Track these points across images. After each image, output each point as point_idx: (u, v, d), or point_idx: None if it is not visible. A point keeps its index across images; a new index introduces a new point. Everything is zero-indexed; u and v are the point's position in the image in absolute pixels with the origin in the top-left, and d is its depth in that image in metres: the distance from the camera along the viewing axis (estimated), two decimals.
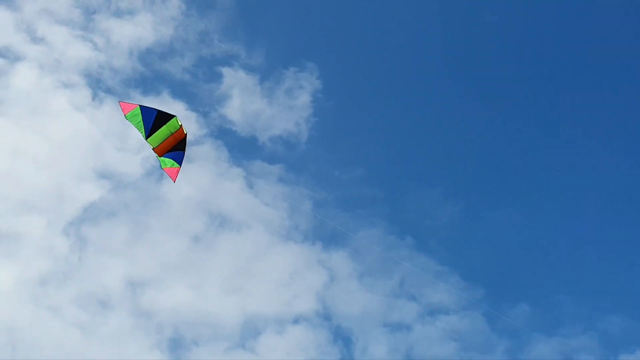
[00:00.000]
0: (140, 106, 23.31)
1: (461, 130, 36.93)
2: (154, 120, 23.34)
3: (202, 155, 33.15)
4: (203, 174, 32.99)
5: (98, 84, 34.04)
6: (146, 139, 23.47)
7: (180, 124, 22.97)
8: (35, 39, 33.91)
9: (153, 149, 23.67)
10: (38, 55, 33.78)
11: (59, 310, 27.78)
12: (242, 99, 35.29)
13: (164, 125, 23.14)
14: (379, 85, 37.66)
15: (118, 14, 35.23)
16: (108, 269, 29.28)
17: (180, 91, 34.65)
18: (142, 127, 23.48)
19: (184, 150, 23.82)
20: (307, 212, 31.55)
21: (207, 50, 35.75)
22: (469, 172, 35.88)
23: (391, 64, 38.11)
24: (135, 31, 35.04)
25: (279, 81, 35.73)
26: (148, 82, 34.86)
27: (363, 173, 34.15)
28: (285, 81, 35.69)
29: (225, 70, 35.47)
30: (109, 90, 33.99)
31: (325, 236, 31.85)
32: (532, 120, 36.91)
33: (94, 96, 33.69)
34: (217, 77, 35.31)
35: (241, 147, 34.35)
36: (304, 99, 35.38)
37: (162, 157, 23.99)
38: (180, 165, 23.97)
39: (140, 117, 23.39)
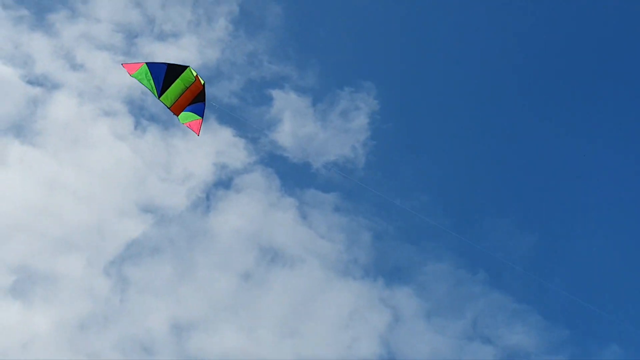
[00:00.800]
0: (147, 63, 22.49)
1: (537, 153, 35.74)
2: (164, 76, 22.58)
3: (251, 184, 33.17)
4: (252, 204, 33.06)
5: (141, 112, 34.29)
6: (159, 97, 22.61)
7: (195, 74, 22.50)
8: (75, 66, 34.37)
9: (169, 108, 22.83)
10: (77, 82, 34.11)
11: (99, 356, 27.50)
12: (294, 123, 35.16)
13: (178, 79, 22.48)
14: (442, 104, 36.93)
15: (162, 37, 35.95)
16: (151, 311, 28.88)
17: (227, 116, 34.20)
18: (153, 86, 22.62)
19: (204, 101, 23.09)
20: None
21: (256, 73, 35.90)
22: (545, 199, 34.65)
23: (456, 81, 37.48)
24: (180, 54, 35.55)
25: (333, 102, 35.67)
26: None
27: (428, 201, 33.47)
28: (340, 102, 35.58)
29: (276, 93, 35.49)
30: (152, 118, 34.17)
31: (388, 271, 31.11)
32: (617, 145, 35.44)
33: (137, 124, 33.94)
34: (267, 101, 35.40)
35: (293, 175, 34.03)
36: (360, 121, 35.12)
37: (180, 114, 23.16)
38: (202, 117, 23.24)
39: (149, 75, 22.57)
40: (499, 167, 36.42)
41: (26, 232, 30.37)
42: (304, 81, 35.88)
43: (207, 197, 32.94)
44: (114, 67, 34.49)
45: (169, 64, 22.51)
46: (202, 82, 22.75)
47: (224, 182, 33.38)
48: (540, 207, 34.54)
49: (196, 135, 23.39)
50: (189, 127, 23.34)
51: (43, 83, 33.86)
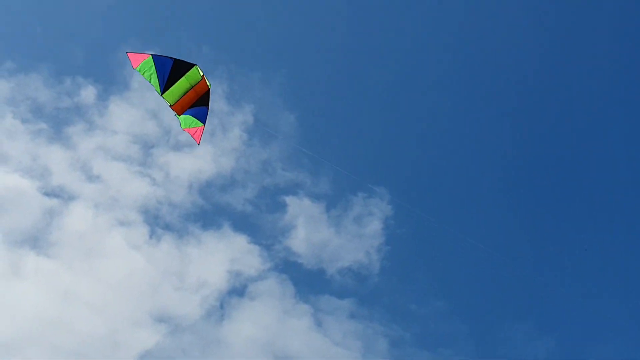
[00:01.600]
0: (153, 55, 22.07)
1: (552, 258, 36.05)
2: (170, 72, 22.06)
3: (265, 291, 33.74)
4: (267, 312, 33.71)
5: (156, 221, 35.31)
6: (161, 94, 22.22)
7: (201, 74, 22.05)
8: (91, 177, 35.86)
9: (170, 106, 22.45)
10: (93, 193, 35.62)
11: None
12: (308, 229, 36.10)
13: (183, 77, 21.97)
14: (456, 209, 37.78)
15: (177, 147, 37.18)
16: None
17: (242, 223, 35.70)
18: (157, 81, 22.15)
19: (207, 105, 22.71)
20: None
21: (270, 180, 37.07)
22: (561, 304, 34.79)
23: (467, 188, 38.56)
24: (195, 164, 36.74)
25: (346, 208, 36.60)
26: (208, 215, 36.09)
27: (443, 307, 33.98)
28: (354, 208, 36.57)
29: (290, 200, 36.60)
30: (167, 227, 35.23)
31: None
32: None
33: (152, 234, 34.99)
34: (281, 207, 36.41)
35: (308, 281, 34.99)
36: (374, 226, 36.03)
37: (182, 116, 22.92)
38: (204, 124, 22.78)
39: (153, 69, 22.13)
40: (514, 271, 36.20)
41: (39, 344, 30.54)
42: (317, 187, 36.99)
43: (221, 306, 33.19)
44: (130, 178, 36.17)
45: (175, 59, 22.07)
46: (209, 84, 22.47)
47: (238, 290, 33.77)
48: (556, 312, 34.52)
49: (197, 143, 23.17)
50: (190, 134, 23.14)
51: (59, 194, 35.16)
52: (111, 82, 39.47)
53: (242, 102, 39.19)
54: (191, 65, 22.20)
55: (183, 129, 23.36)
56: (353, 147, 39.68)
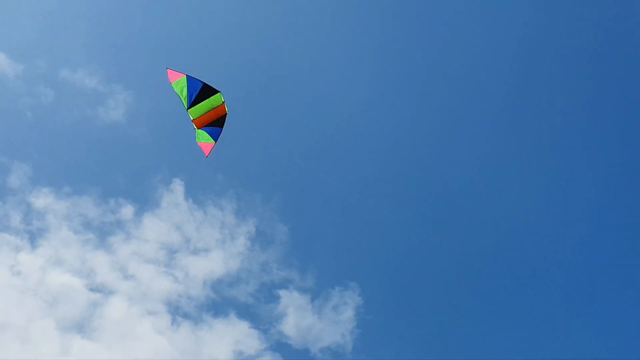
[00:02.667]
0: (187, 76, 22.44)
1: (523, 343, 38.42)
2: (198, 92, 22.47)
3: None
4: None
5: (177, 311, 38.45)
6: (187, 109, 22.62)
7: (223, 100, 22.20)
8: (127, 276, 39.10)
9: (192, 120, 22.68)
10: (128, 289, 38.77)
11: None
12: (296, 316, 38.80)
13: (208, 99, 22.40)
14: (416, 299, 40.44)
15: (195, 252, 40.36)
16: None
17: (245, 312, 38.63)
18: (186, 97, 22.57)
19: (222, 127, 22.94)
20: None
21: (267, 277, 39.94)
22: None
23: (425, 280, 41.15)
24: (209, 265, 39.90)
25: (327, 299, 39.25)
26: (218, 306, 38.94)
27: None
28: (332, 299, 39.24)
29: (283, 293, 39.43)
30: (185, 315, 38.31)
31: None
32: None
33: (173, 321, 38.08)
34: (276, 299, 39.32)
35: (296, 359, 37.40)
36: (348, 313, 38.80)
37: (199, 130, 23.05)
38: (216, 142, 22.97)
39: (185, 87, 22.46)
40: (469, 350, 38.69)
41: None
42: (304, 283, 39.75)
43: None
44: (158, 277, 39.37)
45: (205, 83, 22.35)
46: (227, 110, 22.59)
47: None
48: None
49: (205, 156, 23.14)
50: (201, 147, 23.29)
51: (101, 290, 38.33)
52: (145, 202, 41.56)
53: (247, 216, 41.70)
54: (216, 91, 22.44)
55: (197, 143, 23.30)
56: (332, 249, 41.87)
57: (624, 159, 42.95)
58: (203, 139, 23.16)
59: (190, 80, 22.54)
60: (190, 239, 41.11)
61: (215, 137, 23.17)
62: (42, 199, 40.21)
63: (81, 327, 37.44)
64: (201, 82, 22.40)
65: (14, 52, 42.26)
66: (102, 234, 40.22)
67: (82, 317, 37.77)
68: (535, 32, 45.34)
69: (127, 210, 40.99)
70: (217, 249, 41.06)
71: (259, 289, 39.92)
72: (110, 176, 42.17)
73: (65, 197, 40.60)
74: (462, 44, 44.96)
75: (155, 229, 40.99)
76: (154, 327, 38.25)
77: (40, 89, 42.47)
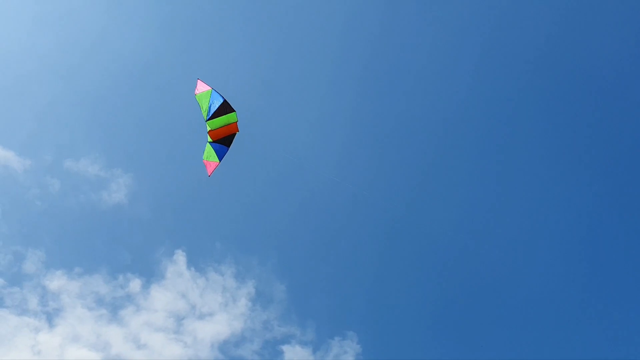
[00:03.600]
0: (213, 90, 23.68)
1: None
2: (218, 107, 23.56)
3: None
4: None
5: None
6: (206, 120, 23.79)
7: (236, 120, 23.28)
8: (140, 346, 40.87)
9: (207, 131, 23.81)
10: (142, 358, 40.54)
11: None
12: None
13: (224, 115, 23.45)
14: (411, 343, 41.85)
15: (201, 317, 42.24)
16: None
17: None
18: (206, 110, 23.62)
19: (229, 146, 23.93)
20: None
21: (270, 334, 41.69)
22: None
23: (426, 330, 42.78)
24: (215, 328, 41.65)
25: (327, 350, 40.92)
26: None
27: None
28: (333, 349, 40.91)
29: (285, 347, 41.08)
30: None
31: None
32: None
33: None
34: (279, 354, 40.94)
35: None
36: None
37: (209, 144, 23.97)
38: (220, 161, 23.84)
39: (208, 100, 23.51)
40: None
41: None
42: (305, 336, 41.33)
43: None
44: (168, 343, 41.19)
45: (225, 100, 23.31)
46: (238, 129, 23.51)
47: None
48: None
49: (207, 174, 23.63)
50: (205, 165, 24.05)
51: None
52: (151, 275, 43.14)
53: (246, 279, 43.46)
54: (232, 110, 23.34)
55: (203, 160, 24.08)
56: (328, 302, 43.53)
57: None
58: (209, 157, 24.14)
59: (214, 94, 23.76)
60: (195, 305, 42.92)
61: (220, 157, 24.01)
62: (56, 281, 42.45)
63: None
64: (223, 98, 23.55)
65: (21, 148, 45.43)
66: (113, 308, 42.15)
67: None
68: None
69: (135, 284, 42.89)
70: (221, 312, 43.02)
71: (263, 346, 41.64)
72: (117, 254, 44.00)
73: (77, 277, 42.53)
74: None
75: (162, 298, 42.87)
76: None
77: (47, 179, 45.16)
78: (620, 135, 45.87)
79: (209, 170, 24.04)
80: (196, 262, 44.43)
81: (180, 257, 44.19)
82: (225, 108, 23.49)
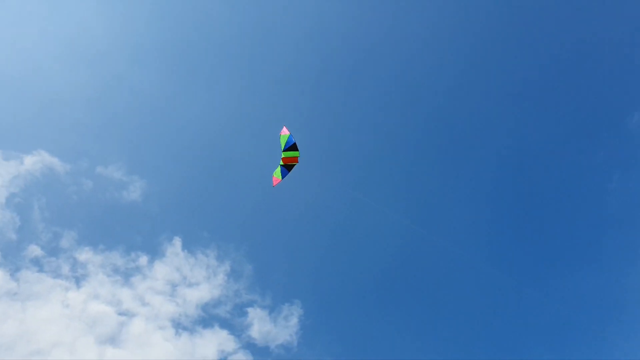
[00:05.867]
0: (290, 134, 30.52)
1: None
2: (290, 145, 30.51)
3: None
4: None
5: (178, 325, 50.24)
6: (282, 151, 30.30)
7: (299, 154, 30.12)
8: (144, 304, 50.79)
9: (281, 158, 30.12)
10: (145, 312, 50.34)
11: None
12: (259, 325, 50.49)
13: (292, 151, 30.54)
14: (342, 309, 51.94)
15: (190, 285, 52.27)
16: None
17: (225, 324, 50.74)
18: (284, 145, 30.34)
19: (289, 171, 30.37)
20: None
21: (239, 300, 51.67)
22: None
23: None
24: (200, 293, 51.58)
25: (279, 312, 51.13)
26: (206, 321, 50.50)
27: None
28: (283, 311, 51.12)
29: (249, 309, 51.12)
30: (184, 328, 50.25)
31: None
32: None
33: (176, 332, 49.75)
34: (245, 314, 50.97)
35: (260, 354, 49.69)
36: (294, 321, 50.78)
37: (280, 166, 30.29)
38: (282, 179, 30.13)
39: (286, 139, 30.29)
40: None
41: None
42: (264, 302, 51.67)
43: None
44: (165, 303, 49.93)
45: (294, 142, 29.80)
46: (297, 162, 29.62)
47: None
48: None
49: (272, 185, 29.97)
50: (273, 179, 29.48)
51: (127, 314, 49.75)
52: (155, 254, 51.77)
53: (224, 260, 52.82)
54: (297, 150, 29.94)
55: (272, 175, 29.94)
56: (282, 278, 52.97)
57: None
58: (277, 174, 30.68)
59: (290, 137, 30.82)
60: (186, 277, 52.81)
61: (283, 177, 30.56)
62: (84, 255, 51.78)
63: (113, 340, 48.76)
64: (294, 141, 30.47)
65: (64, 156, 55.43)
66: (126, 276, 52.10)
67: (113, 333, 49.12)
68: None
69: (143, 260, 52.49)
70: (205, 282, 53.03)
71: (234, 308, 51.70)
72: (131, 237, 53.95)
73: (100, 252, 52.01)
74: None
75: (162, 271, 52.64)
76: (163, 337, 49.87)
77: (82, 180, 54.95)
78: None
79: (274, 182, 30.83)
80: (189, 246, 53.78)
81: (177, 242, 53.74)
82: (294, 146, 30.93)
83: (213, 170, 57.99)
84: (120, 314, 49.63)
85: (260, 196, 56.72)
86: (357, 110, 58.39)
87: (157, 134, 59.33)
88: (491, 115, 56.51)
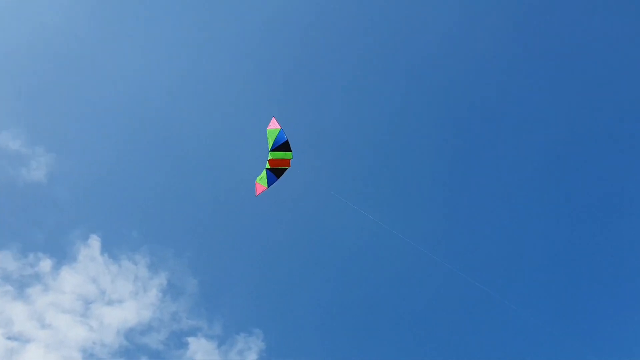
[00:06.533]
0: (281, 130, 28.17)
1: None
2: (281, 144, 27.98)
3: None
4: None
5: (91, 357, 40.99)
6: (269, 151, 28.23)
7: (291, 157, 27.74)
8: (44, 325, 41.29)
9: (268, 160, 28.09)
10: (45, 337, 40.90)
11: None
12: None
13: (283, 151, 28.02)
14: (324, 346, 43.67)
15: (110, 302, 43.07)
16: None
17: (156, 358, 41.70)
18: (272, 143, 28.08)
19: (278, 177, 28.23)
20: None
21: (177, 326, 43.03)
22: None
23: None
24: (122, 314, 42.65)
25: (232, 344, 42.63)
26: (131, 352, 41.67)
27: None
28: (237, 344, 42.70)
29: (191, 340, 42.55)
30: None
31: None
32: None
33: None
34: (184, 345, 42.38)
35: None
36: (252, 357, 42.41)
37: (266, 170, 27.98)
38: (267, 187, 28.09)
39: (276, 136, 27.97)
40: None
41: None
42: (211, 330, 42.86)
43: None
44: (74, 326, 41.63)
45: (287, 140, 27.67)
46: (290, 166, 27.62)
47: None
48: None
49: (255, 194, 27.56)
50: (256, 185, 27.93)
51: (18, 338, 40.29)
52: (63, 256, 43.44)
53: (159, 270, 44.43)
54: (290, 150, 27.67)
55: (255, 181, 27.81)
56: (238, 300, 44.91)
57: None
58: (261, 180, 27.94)
59: (280, 132, 27.89)
60: (105, 291, 43.67)
61: (269, 184, 27.83)
62: None
63: None
64: (286, 138, 27.73)
65: None
66: (20, 285, 42.56)
67: None
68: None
69: (46, 264, 43.28)
70: (130, 299, 44.01)
71: (169, 337, 42.87)
72: (30, 232, 44.28)
73: None
74: None
75: (72, 281, 43.51)
76: None
77: None
78: None
79: (258, 191, 27.80)
80: (110, 249, 45.02)
81: (95, 241, 44.74)
82: (286, 146, 27.72)
83: (152, 146, 48.30)
84: (9, 338, 40.82)
85: (216, 187, 48.07)
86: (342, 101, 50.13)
87: (74, 92, 48.51)
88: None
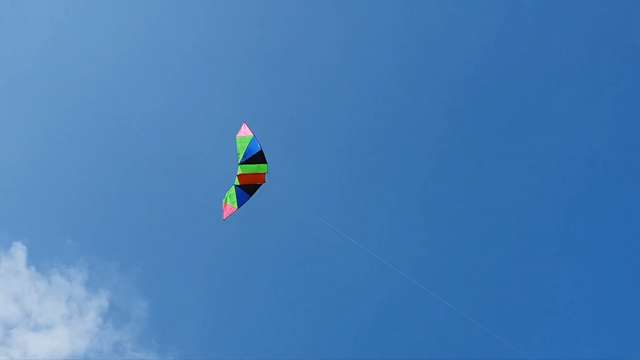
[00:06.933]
0: (254, 137, 26.51)
1: None
2: (253, 155, 26.32)
3: None
4: None
5: None
6: (239, 164, 26.44)
7: (266, 171, 26.06)
8: None
9: (237, 175, 26.35)
10: None
11: None
12: None
13: (256, 164, 26.21)
14: None
15: (36, 328, 39.27)
16: None
17: None
18: (242, 154, 26.54)
19: (251, 195, 26.47)
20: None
21: (120, 359, 39.33)
22: None
23: None
24: (52, 344, 38.87)
25: None
26: None
27: None
28: None
29: None
30: None
31: None
32: None
33: None
34: None
35: None
36: None
37: (233, 188, 26.27)
38: (238, 208, 26.29)
39: (246, 145, 26.56)
40: None
41: None
42: None
43: None
44: None
45: (261, 150, 26.24)
46: (265, 181, 26.21)
47: None
48: None
49: (222, 218, 26.20)
50: (224, 207, 26.40)
51: None
52: None
53: (100, 289, 41.02)
54: (265, 162, 26.25)
55: (223, 202, 26.54)
56: (197, 329, 41.32)
57: None
58: (230, 201, 26.24)
59: (253, 141, 26.36)
60: (30, 313, 40.25)
61: (239, 204, 26.17)
62: None
63: None
64: (260, 148, 26.13)
65: None
66: None
67: None
68: None
69: None
70: (63, 325, 40.50)
71: None
72: None
73: None
74: None
75: None
76: None
77: None
78: None
79: (225, 214, 26.35)
80: (39, 260, 41.99)
81: (19, 251, 41.78)
82: (259, 158, 26.17)
83: (94, 137, 45.39)
84: None
85: (175, 189, 44.96)
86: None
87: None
88: None
